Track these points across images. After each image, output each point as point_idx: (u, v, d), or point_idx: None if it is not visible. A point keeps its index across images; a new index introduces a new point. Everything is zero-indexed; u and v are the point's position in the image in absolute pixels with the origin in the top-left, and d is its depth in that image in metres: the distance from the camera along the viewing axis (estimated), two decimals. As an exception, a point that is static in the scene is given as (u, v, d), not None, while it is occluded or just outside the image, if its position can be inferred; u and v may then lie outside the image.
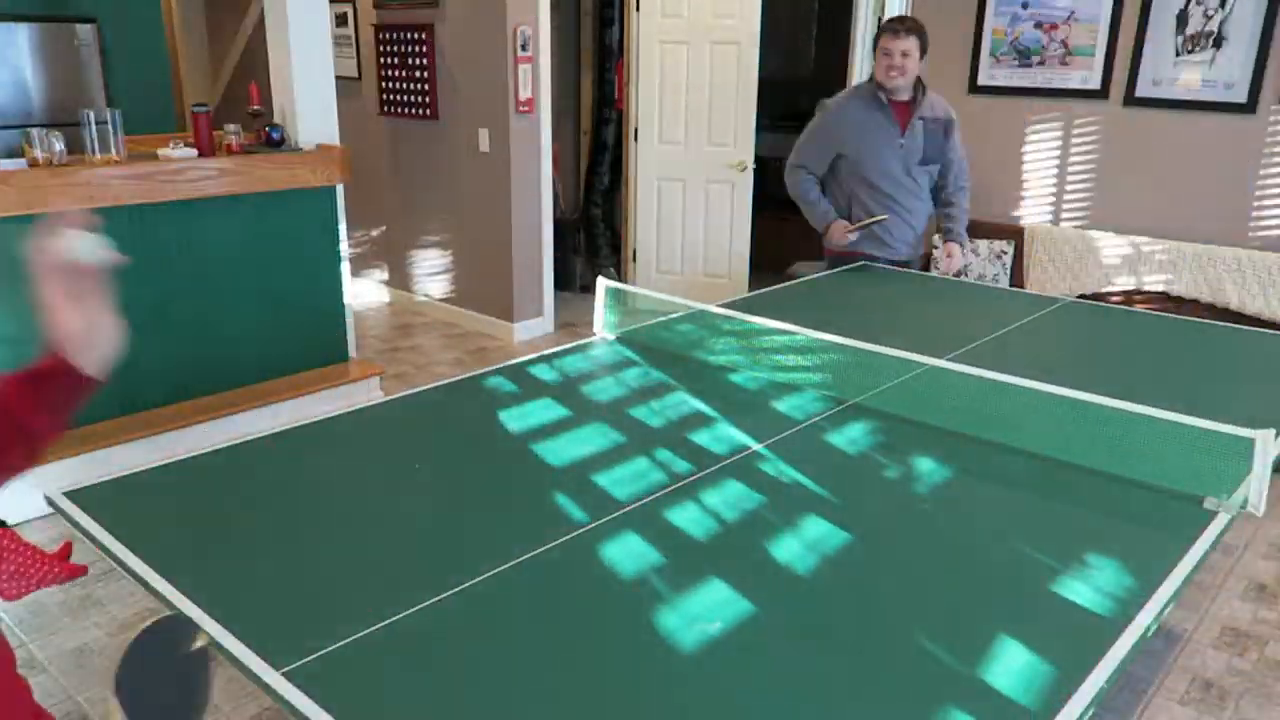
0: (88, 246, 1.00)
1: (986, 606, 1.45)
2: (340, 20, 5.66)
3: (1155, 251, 4.40)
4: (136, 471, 1.84)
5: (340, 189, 4.06)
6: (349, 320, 4.28)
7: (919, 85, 3.54)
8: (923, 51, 3.46)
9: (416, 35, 5.25)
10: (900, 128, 3.54)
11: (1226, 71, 4.19)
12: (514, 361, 2.51)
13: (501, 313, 5.32)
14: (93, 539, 1.60)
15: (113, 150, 3.36)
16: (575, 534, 1.63)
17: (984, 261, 4.74)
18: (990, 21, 4.82)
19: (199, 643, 1.19)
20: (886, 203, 3.61)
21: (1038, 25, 4.68)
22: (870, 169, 3.59)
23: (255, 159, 3.70)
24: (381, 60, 5.52)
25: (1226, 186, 4.29)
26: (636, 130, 5.58)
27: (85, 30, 5.15)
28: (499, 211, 5.13)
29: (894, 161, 3.58)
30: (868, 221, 3.62)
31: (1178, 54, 4.31)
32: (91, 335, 1.04)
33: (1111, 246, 4.50)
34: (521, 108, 4.93)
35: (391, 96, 5.52)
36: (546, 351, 2.59)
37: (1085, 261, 4.56)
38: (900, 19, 3.51)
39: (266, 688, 1.23)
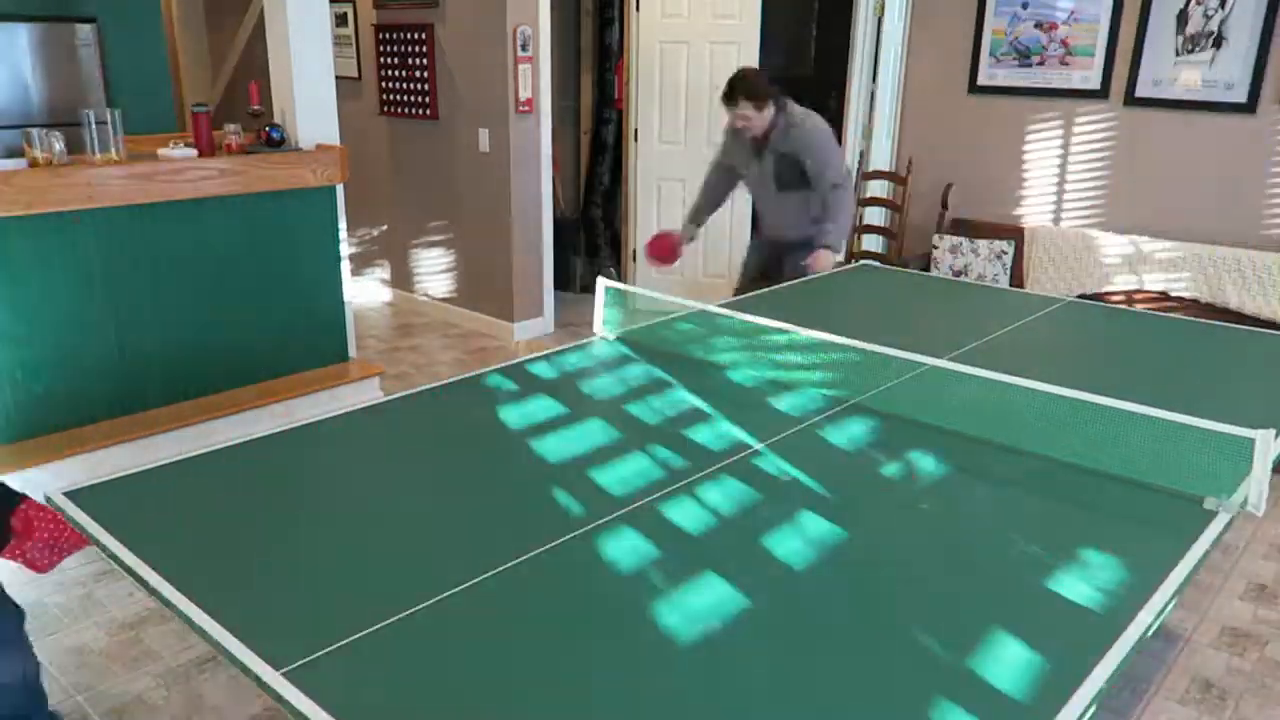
0: None
1: (986, 605, 1.45)
2: (340, 20, 5.66)
3: (1155, 251, 4.40)
4: (136, 471, 1.84)
5: (340, 189, 4.06)
6: (349, 320, 4.27)
7: (778, 120, 3.68)
8: (761, 104, 3.61)
9: (416, 35, 5.25)
10: (757, 157, 3.80)
11: (1226, 71, 4.19)
12: (514, 361, 2.51)
13: (501, 313, 5.32)
14: (93, 539, 1.60)
15: (113, 150, 3.36)
16: (576, 533, 1.63)
17: (984, 261, 4.74)
18: (990, 21, 4.82)
19: None
20: (762, 213, 4.04)
21: (1038, 25, 4.68)
22: (749, 186, 4.00)
23: (255, 159, 3.70)
24: (381, 60, 5.52)
25: (1226, 186, 4.29)
26: (636, 130, 5.58)
27: (85, 30, 5.15)
28: (499, 211, 5.13)
29: (759, 185, 3.88)
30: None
31: (1178, 54, 4.31)
32: None
33: (1111, 246, 4.50)
34: (521, 108, 4.93)
35: (391, 96, 5.52)
36: (547, 351, 2.59)
37: (1085, 261, 4.56)
38: (728, 91, 3.62)
39: (266, 688, 1.23)
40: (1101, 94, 4.52)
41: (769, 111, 3.66)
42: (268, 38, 3.99)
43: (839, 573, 1.55)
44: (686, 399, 2.27)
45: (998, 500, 1.84)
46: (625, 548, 1.58)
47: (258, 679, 1.24)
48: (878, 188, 5.30)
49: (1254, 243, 4.24)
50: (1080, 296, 4.35)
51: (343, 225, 4.13)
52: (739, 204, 5.50)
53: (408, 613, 1.39)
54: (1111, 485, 1.86)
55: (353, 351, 4.35)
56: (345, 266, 4.19)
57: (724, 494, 1.79)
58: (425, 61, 5.24)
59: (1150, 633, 1.39)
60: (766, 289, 3.46)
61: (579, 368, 2.51)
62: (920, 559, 1.59)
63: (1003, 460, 1.97)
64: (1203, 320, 3.26)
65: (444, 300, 5.67)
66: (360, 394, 4.11)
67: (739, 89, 3.61)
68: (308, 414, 2.30)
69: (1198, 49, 4.25)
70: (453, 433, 2.13)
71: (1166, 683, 2.52)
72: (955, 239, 4.82)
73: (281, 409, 3.83)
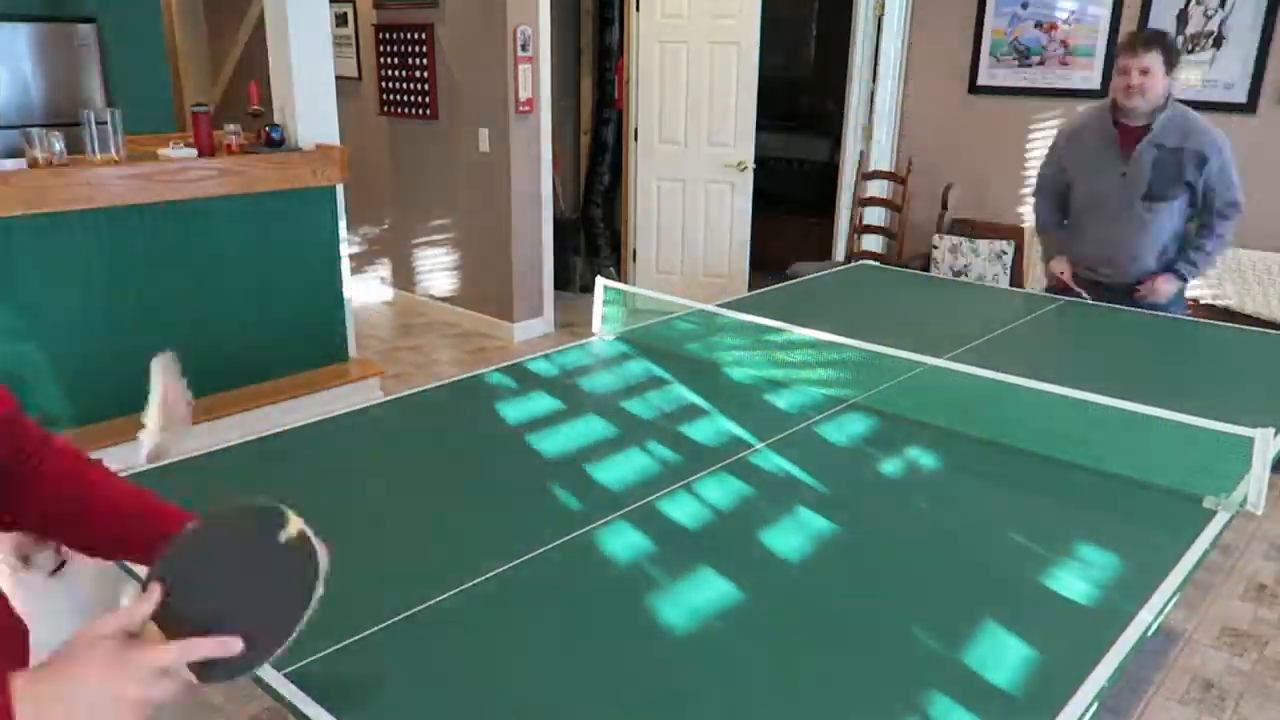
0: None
1: (987, 605, 1.45)
2: (340, 20, 5.66)
3: (1155, 251, 4.39)
4: (135, 472, 1.84)
5: (340, 189, 4.07)
6: (349, 320, 4.28)
7: (1165, 108, 3.00)
8: (1169, 67, 2.95)
9: (416, 35, 5.25)
10: (1124, 156, 3.06)
11: (1226, 71, 4.19)
12: (514, 361, 2.51)
13: (501, 313, 5.32)
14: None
15: (113, 150, 3.37)
16: (577, 533, 1.63)
17: (984, 261, 4.74)
18: (990, 21, 4.82)
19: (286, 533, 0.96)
20: (1099, 236, 3.19)
21: (1038, 25, 4.68)
22: (1083, 198, 3.21)
23: (255, 159, 3.70)
24: (381, 60, 5.52)
25: (1226, 186, 4.28)
26: (636, 130, 5.58)
27: (85, 30, 5.15)
28: (499, 211, 5.13)
29: (1111, 194, 3.11)
30: (1072, 288, 3.27)
31: (1178, 54, 4.31)
32: None
33: (1111, 246, 4.49)
34: (521, 108, 4.93)
35: (391, 96, 5.53)
36: (547, 351, 2.59)
37: (1085, 261, 4.56)
38: (1139, 33, 2.99)
39: (266, 688, 1.23)
40: (1101, 94, 4.51)
41: (1166, 84, 2.95)
42: (268, 38, 3.99)
43: (838, 571, 1.55)
44: (686, 398, 2.27)
45: (997, 499, 1.83)
46: (627, 546, 1.58)
47: (258, 679, 1.24)
48: (878, 188, 5.30)
49: (1254, 243, 4.24)
50: (1080, 296, 4.35)
51: (343, 225, 4.13)
52: (738, 203, 5.51)
53: (408, 613, 1.39)
54: (1111, 484, 1.86)
55: (353, 351, 4.36)
56: (345, 266, 4.19)
57: (723, 492, 1.79)
58: (425, 61, 5.24)
59: (1150, 632, 1.39)
60: (764, 289, 3.46)
61: (579, 367, 2.51)
62: (919, 558, 1.59)
63: (1002, 459, 1.97)
64: (1203, 320, 3.26)
65: (444, 300, 5.67)
66: (360, 394, 4.11)
67: (1155, 37, 2.94)
68: (308, 414, 2.30)
69: (1198, 49, 4.25)
70: (453, 432, 2.13)
71: (1166, 683, 2.52)
72: (955, 239, 4.82)
73: (281, 409, 3.83)
